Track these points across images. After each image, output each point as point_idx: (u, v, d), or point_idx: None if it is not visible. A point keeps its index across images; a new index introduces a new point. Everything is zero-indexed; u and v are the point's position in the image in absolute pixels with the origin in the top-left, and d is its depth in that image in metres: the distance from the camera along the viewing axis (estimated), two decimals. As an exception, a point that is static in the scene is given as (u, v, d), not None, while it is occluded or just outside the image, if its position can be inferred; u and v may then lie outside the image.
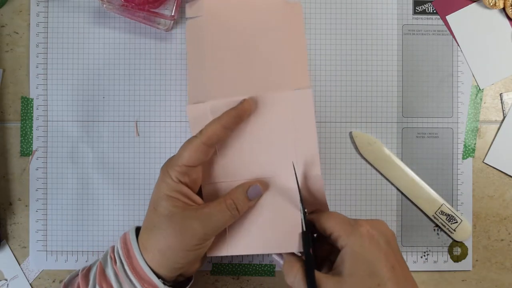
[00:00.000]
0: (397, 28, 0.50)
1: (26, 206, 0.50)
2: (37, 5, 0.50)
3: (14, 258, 0.50)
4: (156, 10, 0.47)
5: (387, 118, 0.50)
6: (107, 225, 0.50)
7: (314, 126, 0.41)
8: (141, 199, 0.50)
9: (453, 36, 0.50)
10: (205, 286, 0.50)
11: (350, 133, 0.50)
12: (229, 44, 0.42)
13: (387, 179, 0.50)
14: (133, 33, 0.50)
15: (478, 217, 0.50)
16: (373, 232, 0.36)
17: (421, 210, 0.50)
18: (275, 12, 0.42)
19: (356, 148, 0.50)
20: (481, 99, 0.50)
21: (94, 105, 0.50)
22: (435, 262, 0.50)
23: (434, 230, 0.50)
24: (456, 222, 0.49)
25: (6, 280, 0.50)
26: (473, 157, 0.50)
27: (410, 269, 0.38)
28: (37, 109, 0.50)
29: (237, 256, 0.50)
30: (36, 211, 0.50)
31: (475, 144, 0.50)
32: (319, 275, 0.36)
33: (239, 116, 0.39)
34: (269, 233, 0.40)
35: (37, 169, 0.50)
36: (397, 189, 0.50)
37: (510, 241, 0.50)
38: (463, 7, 0.50)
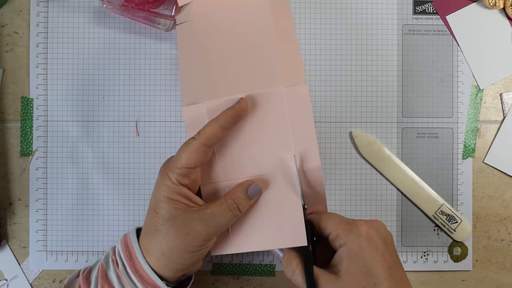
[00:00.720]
0: (397, 28, 0.50)
1: (26, 206, 0.50)
2: (37, 5, 0.50)
3: (14, 258, 0.50)
4: (156, 10, 0.47)
5: (387, 118, 0.50)
6: (107, 225, 0.50)
7: (312, 119, 0.41)
8: (141, 199, 0.50)
9: (453, 36, 0.50)
10: (205, 286, 0.50)
11: (350, 133, 0.50)
12: (220, 45, 0.42)
13: (387, 179, 0.50)
14: (133, 33, 0.50)
15: (478, 217, 0.50)
16: (371, 232, 0.37)
17: (421, 210, 0.50)
18: (263, 11, 0.42)
19: (356, 148, 0.50)
20: (481, 99, 0.50)
21: (94, 105, 0.50)
22: (435, 262, 0.50)
23: (434, 230, 0.50)
24: (456, 222, 0.49)
25: (6, 280, 0.50)
26: (473, 157, 0.50)
27: (410, 269, 0.38)
28: (37, 109, 0.50)
29: (237, 256, 0.50)
30: (36, 211, 0.50)
31: (475, 144, 0.50)
32: (317, 271, 0.37)
33: (237, 115, 0.39)
34: (273, 228, 0.40)
35: (37, 169, 0.50)
36: (397, 189, 0.50)
37: (510, 241, 0.50)
38: (463, 7, 0.50)
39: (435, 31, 0.50)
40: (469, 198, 0.50)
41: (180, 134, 0.50)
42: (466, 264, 0.50)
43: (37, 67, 0.50)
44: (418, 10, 0.50)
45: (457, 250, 0.50)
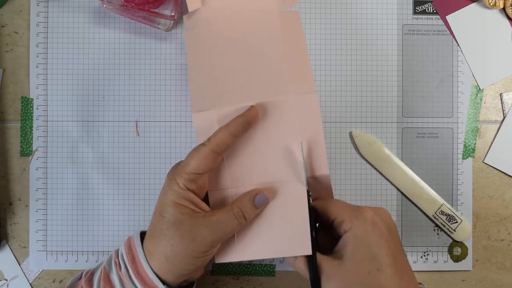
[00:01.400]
0: (397, 28, 0.50)
1: (26, 206, 0.50)
2: (37, 5, 0.50)
3: (14, 258, 0.50)
4: (156, 10, 0.47)
5: (387, 118, 0.50)
6: (107, 225, 0.50)
7: (321, 128, 0.40)
8: (141, 199, 0.50)
9: (453, 36, 0.50)
10: (205, 286, 0.50)
11: (350, 133, 0.50)
12: (229, 53, 0.42)
13: (387, 179, 0.50)
14: (133, 33, 0.50)
15: (478, 217, 0.50)
16: (377, 218, 0.37)
17: (421, 210, 0.50)
18: (273, 20, 0.42)
19: (356, 148, 0.50)
20: (481, 99, 0.50)
21: (94, 105, 0.50)
22: (435, 262, 0.50)
23: (434, 230, 0.50)
24: (456, 222, 0.49)
25: (6, 280, 0.50)
26: (473, 157, 0.50)
27: (410, 269, 0.38)
28: (37, 109, 0.50)
29: (237, 256, 0.50)
30: (36, 211, 0.50)
31: (475, 144, 0.50)
32: (320, 257, 0.37)
33: (247, 123, 0.39)
34: (278, 237, 0.40)
35: (37, 169, 0.50)
36: (397, 189, 0.50)
37: (510, 241, 0.50)
38: (463, 7, 0.50)
39: (435, 31, 0.50)
40: (469, 198, 0.50)
41: (180, 134, 0.50)
42: (466, 264, 0.50)
43: (37, 67, 0.50)
44: (418, 10, 0.50)
45: (457, 250, 0.50)
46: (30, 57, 0.50)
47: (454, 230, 0.49)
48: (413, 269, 0.38)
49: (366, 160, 0.50)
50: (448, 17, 0.50)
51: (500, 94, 0.50)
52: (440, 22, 0.50)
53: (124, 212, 0.50)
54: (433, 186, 0.50)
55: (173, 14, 0.46)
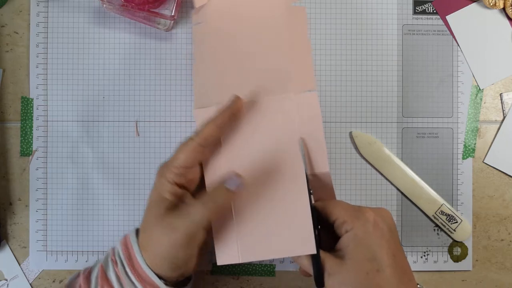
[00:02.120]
0: (397, 28, 0.50)
1: (26, 206, 0.50)
2: (37, 5, 0.50)
3: (14, 258, 0.50)
4: (156, 10, 0.47)
5: (387, 118, 0.50)
6: (107, 225, 0.50)
7: (321, 126, 0.40)
8: (141, 199, 0.50)
9: (453, 36, 0.50)
10: (205, 286, 0.50)
11: (350, 133, 0.50)
12: (234, 49, 0.42)
13: (387, 179, 0.50)
14: (133, 33, 0.50)
15: (478, 217, 0.50)
16: (378, 219, 0.37)
17: (421, 210, 0.50)
18: (279, 16, 0.42)
19: (356, 148, 0.50)
20: (481, 99, 0.50)
21: (94, 105, 0.50)
22: (435, 262, 0.50)
23: (434, 230, 0.50)
24: (456, 222, 0.49)
25: (6, 280, 0.50)
26: (473, 157, 0.50)
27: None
28: (37, 109, 0.50)
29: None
30: (36, 211, 0.50)
31: (475, 144, 0.50)
32: (323, 254, 0.38)
33: (233, 114, 0.40)
34: (281, 236, 0.40)
35: (37, 169, 0.50)
36: (397, 189, 0.50)
37: (510, 241, 0.50)
38: (463, 7, 0.50)
39: (435, 31, 0.50)
40: (469, 198, 0.50)
41: (180, 134, 0.50)
42: (466, 264, 0.50)
43: (37, 67, 0.50)
44: (418, 10, 0.50)
45: (457, 250, 0.50)
46: (30, 57, 0.50)
47: (454, 230, 0.49)
48: (413, 269, 0.38)
49: (366, 160, 0.50)
50: (448, 17, 0.50)
51: (500, 94, 0.50)
52: (440, 22, 0.50)
53: (124, 212, 0.50)
54: (433, 186, 0.50)
55: (173, 14, 0.46)
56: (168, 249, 0.38)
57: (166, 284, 0.39)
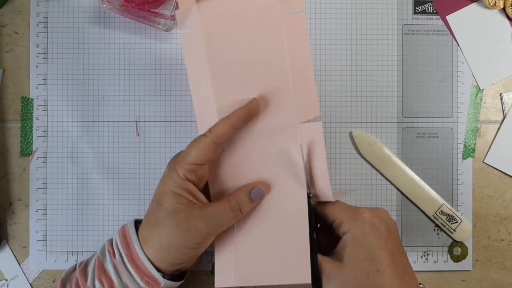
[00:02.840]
0: (397, 28, 0.50)
1: (26, 206, 0.50)
2: (37, 5, 0.50)
3: (14, 258, 0.50)
4: (156, 10, 0.47)
5: (387, 118, 0.50)
6: (107, 225, 0.50)
7: (324, 154, 0.39)
8: (141, 199, 0.50)
9: (453, 36, 0.50)
10: (205, 286, 0.50)
11: (350, 133, 0.50)
12: (229, 63, 0.40)
13: (387, 179, 0.50)
14: (133, 33, 0.50)
15: (478, 217, 0.50)
16: (375, 219, 0.37)
17: (421, 210, 0.50)
18: (277, 26, 0.39)
19: (356, 148, 0.50)
20: (481, 99, 0.50)
21: (94, 105, 0.50)
22: (435, 262, 0.50)
23: (434, 230, 0.50)
24: (456, 222, 0.49)
25: (6, 280, 0.50)
26: (473, 157, 0.50)
27: (410, 269, 0.38)
28: (37, 109, 0.50)
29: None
30: (36, 211, 0.50)
31: (475, 144, 0.50)
32: (320, 258, 0.38)
33: (248, 115, 0.39)
34: (279, 262, 0.40)
35: (37, 169, 0.50)
36: (397, 189, 0.50)
37: (510, 241, 0.50)
38: (463, 7, 0.50)
39: (435, 31, 0.50)
40: (469, 198, 0.50)
41: (180, 134, 0.50)
42: (466, 264, 0.50)
43: (37, 67, 0.50)
44: (418, 10, 0.50)
45: (457, 250, 0.50)
46: (30, 57, 0.50)
47: (454, 230, 0.49)
48: (413, 269, 0.38)
49: (366, 160, 0.50)
50: (448, 17, 0.50)
51: (500, 94, 0.50)
52: (440, 22, 0.50)
53: (124, 212, 0.50)
54: (433, 186, 0.50)
55: (173, 14, 0.46)
56: (178, 246, 0.38)
57: (164, 277, 0.39)
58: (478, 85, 0.50)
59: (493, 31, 0.50)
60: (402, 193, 0.50)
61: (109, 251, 0.40)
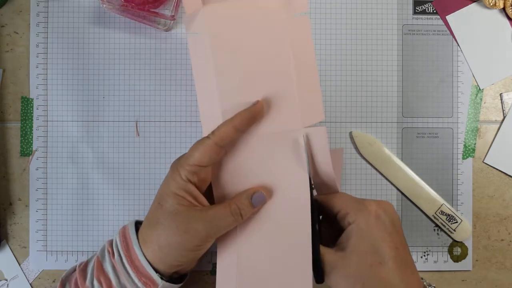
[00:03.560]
0: (397, 28, 0.50)
1: (26, 206, 0.50)
2: (37, 5, 0.50)
3: (14, 258, 0.50)
4: (156, 10, 0.47)
5: (387, 118, 0.50)
6: (107, 225, 0.50)
7: (329, 159, 0.40)
8: (141, 199, 0.50)
9: (453, 36, 0.50)
10: (205, 286, 0.50)
11: (350, 133, 0.50)
12: (235, 66, 0.40)
13: (387, 179, 0.50)
14: (133, 33, 0.50)
15: (478, 217, 0.50)
16: (380, 211, 0.38)
17: (421, 210, 0.50)
18: (282, 29, 0.40)
19: (356, 148, 0.50)
20: (481, 99, 0.50)
21: (94, 105, 0.50)
22: (435, 262, 0.50)
23: (434, 230, 0.50)
24: (456, 222, 0.49)
25: (6, 280, 0.50)
26: (473, 157, 0.50)
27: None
28: (37, 109, 0.50)
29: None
30: (36, 211, 0.50)
31: (475, 144, 0.50)
32: (323, 249, 0.38)
33: (252, 117, 0.39)
34: (279, 278, 0.39)
35: (37, 169, 0.50)
36: (397, 189, 0.50)
37: (510, 241, 0.50)
38: (463, 7, 0.50)
39: (435, 31, 0.50)
40: (469, 198, 0.50)
41: (180, 134, 0.50)
42: (466, 264, 0.50)
43: (37, 67, 0.50)
44: (418, 10, 0.50)
45: (457, 250, 0.50)
46: (30, 57, 0.50)
47: (454, 230, 0.49)
48: (415, 263, 0.38)
49: (366, 160, 0.50)
50: (448, 17, 0.50)
51: (500, 94, 0.50)
52: (440, 22, 0.50)
53: (124, 212, 0.50)
54: (433, 186, 0.50)
55: (173, 14, 0.46)
56: (177, 248, 0.38)
57: (162, 279, 0.39)
58: (478, 85, 0.50)
59: (493, 31, 0.50)
60: (402, 193, 0.50)
61: (108, 251, 0.40)
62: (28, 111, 0.50)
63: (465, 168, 0.50)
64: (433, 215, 0.49)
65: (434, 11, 0.50)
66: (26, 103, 0.50)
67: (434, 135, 0.50)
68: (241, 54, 0.40)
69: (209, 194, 0.41)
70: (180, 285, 0.41)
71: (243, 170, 0.41)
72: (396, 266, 0.36)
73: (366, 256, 0.36)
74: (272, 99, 0.40)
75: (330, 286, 0.38)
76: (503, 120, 0.50)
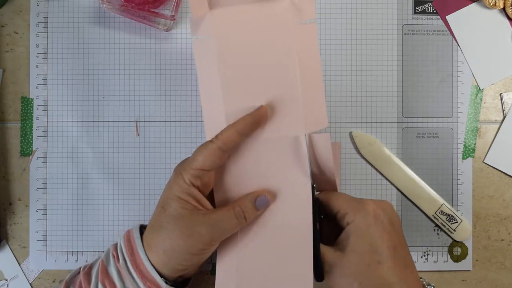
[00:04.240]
0: (397, 28, 0.50)
1: (26, 206, 0.50)
2: (37, 5, 0.50)
3: (14, 258, 0.50)
4: (156, 10, 0.47)
5: (387, 118, 0.50)
6: (107, 225, 0.50)
7: (332, 164, 0.40)
8: (141, 199, 0.50)
9: (453, 36, 0.50)
10: (205, 286, 0.50)
11: (350, 133, 0.50)
12: (240, 72, 0.40)
13: (387, 179, 0.50)
14: (133, 33, 0.50)
15: (478, 217, 0.50)
16: (379, 211, 0.38)
17: (421, 210, 0.50)
18: (288, 35, 0.39)
19: (356, 148, 0.50)
20: (481, 99, 0.50)
21: (94, 105, 0.50)
22: (435, 262, 0.50)
23: (434, 230, 0.50)
24: (456, 222, 0.49)
25: (6, 280, 0.50)
26: (473, 157, 0.50)
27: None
28: (37, 109, 0.50)
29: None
30: (36, 211, 0.50)
31: (475, 144, 0.50)
32: (323, 248, 0.38)
33: (255, 122, 0.39)
34: (280, 280, 0.39)
35: (37, 169, 0.50)
36: (397, 189, 0.50)
37: (510, 241, 0.50)
38: (463, 7, 0.50)
39: (435, 31, 0.50)
40: (469, 198, 0.50)
41: (180, 134, 0.50)
42: (466, 264, 0.50)
43: (37, 67, 0.50)
44: (418, 10, 0.50)
45: (457, 250, 0.50)
46: (30, 57, 0.50)
47: (454, 230, 0.49)
48: (414, 263, 0.38)
49: (366, 160, 0.50)
50: (448, 17, 0.50)
51: (500, 94, 0.50)
52: (440, 22, 0.50)
53: (124, 212, 0.50)
54: (433, 186, 0.50)
55: (173, 14, 0.46)
56: (182, 252, 0.38)
57: (166, 283, 0.39)
58: (478, 85, 0.50)
59: (493, 31, 0.50)
60: (402, 193, 0.50)
61: (113, 255, 0.40)
62: (28, 111, 0.50)
63: (465, 168, 0.50)
64: (433, 215, 0.49)
65: (434, 11, 0.50)
66: (26, 103, 0.50)
67: (434, 135, 0.50)
68: (247, 59, 0.40)
69: (212, 198, 0.41)
70: None
71: (246, 174, 0.41)
72: (395, 265, 0.36)
73: (365, 256, 0.36)
74: (276, 104, 0.40)
75: (330, 284, 0.38)
76: (503, 120, 0.50)
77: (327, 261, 0.38)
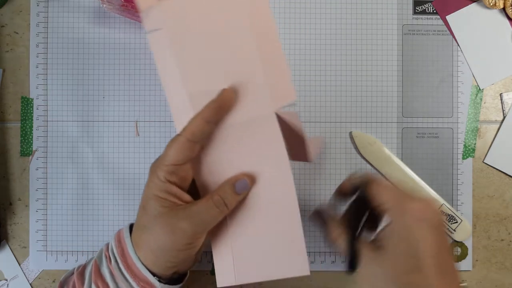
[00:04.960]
0: (397, 28, 0.50)
1: (26, 206, 0.50)
2: (37, 5, 0.50)
3: (14, 258, 0.50)
4: (156, 10, 0.47)
5: (387, 118, 0.50)
6: (107, 225, 0.50)
7: (305, 134, 0.39)
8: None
9: (453, 36, 0.50)
10: (205, 286, 0.50)
11: (350, 133, 0.50)
12: (200, 57, 0.39)
13: (387, 179, 0.50)
14: (133, 33, 0.50)
15: (478, 217, 0.50)
16: (424, 212, 0.35)
17: (421, 210, 0.50)
18: (241, 13, 0.39)
19: (356, 148, 0.50)
20: (481, 99, 0.50)
21: (94, 105, 0.50)
22: (435, 262, 0.50)
23: (434, 230, 0.50)
24: (456, 222, 0.49)
25: (6, 280, 0.50)
26: (473, 157, 0.50)
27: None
28: (37, 109, 0.50)
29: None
30: (36, 211, 0.50)
31: (475, 144, 0.50)
32: (360, 243, 0.37)
33: (220, 107, 0.38)
34: (275, 258, 0.39)
35: (37, 169, 0.50)
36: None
37: (510, 241, 0.50)
38: (463, 7, 0.50)
39: (435, 31, 0.50)
40: (469, 198, 0.50)
41: (180, 134, 0.50)
42: (466, 264, 0.50)
43: (37, 67, 0.50)
44: (418, 10, 0.50)
45: (457, 250, 0.50)
46: (30, 57, 0.50)
47: (454, 230, 0.49)
48: (456, 268, 0.36)
49: (366, 160, 0.50)
50: (448, 17, 0.50)
51: (500, 94, 0.50)
52: (440, 22, 0.50)
53: (124, 212, 0.50)
54: (433, 186, 0.50)
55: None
56: (167, 249, 0.37)
57: (160, 281, 0.39)
58: (478, 85, 0.50)
59: (493, 31, 0.50)
60: (402, 193, 0.50)
61: (106, 256, 0.40)
62: (28, 111, 0.50)
63: (465, 168, 0.50)
64: (433, 215, 0.49)
65: (434, 11, 0.50)
66: (26, 103, 0.50)
67: (434, 135, 0.50)
68: (202, 41, 0.39)
69: (195, 190, 0.40)
70: (181, 285, 0.41)
71: (223, 162, 0.40)
72: (435, 274, 0.34)
73: (403, 260, 0.34)
74: (239, 85, 0.39)
75: (357, 279, 0.37)
76: (503, 120, 0.50)
77: (364, 257, 0.36)
